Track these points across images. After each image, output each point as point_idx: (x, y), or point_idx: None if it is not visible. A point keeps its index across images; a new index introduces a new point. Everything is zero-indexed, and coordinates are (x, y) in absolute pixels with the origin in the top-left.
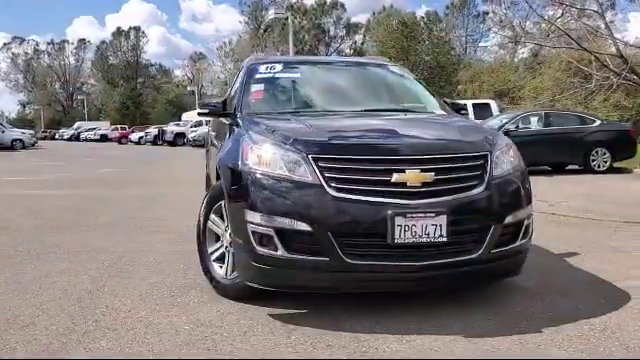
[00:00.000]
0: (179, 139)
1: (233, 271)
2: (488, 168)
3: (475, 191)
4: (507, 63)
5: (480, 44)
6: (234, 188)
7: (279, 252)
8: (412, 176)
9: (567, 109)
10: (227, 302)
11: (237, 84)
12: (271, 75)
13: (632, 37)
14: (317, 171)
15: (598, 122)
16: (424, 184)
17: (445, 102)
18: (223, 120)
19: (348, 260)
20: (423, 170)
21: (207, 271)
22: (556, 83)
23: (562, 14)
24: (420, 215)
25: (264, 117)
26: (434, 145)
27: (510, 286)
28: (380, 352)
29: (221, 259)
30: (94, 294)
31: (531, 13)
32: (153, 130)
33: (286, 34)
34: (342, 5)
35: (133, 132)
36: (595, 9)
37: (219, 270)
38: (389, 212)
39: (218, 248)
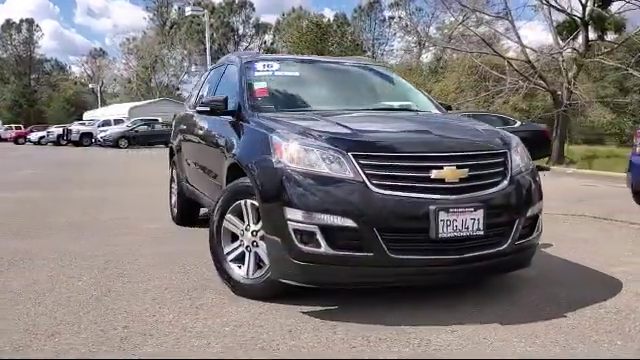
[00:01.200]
0: (85, 139)
1: (255, 271)
2: (509, 165)
3: (501, 186)
4: (412, 67)
5: (386, 48)
6: (269, 186)
7: (322, 249)
8: (450, 172)
9: (490, 111)
10: (250, 302)
11: (223, 81)
12: (270, 73)
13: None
14: (358, 168)
15: (519, 123)
16: (460, 180)
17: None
18: (217, 118)
19: (392, 255)
20: (459, 167)
21: (223, 272)
22: (459, 86)
23: (463, 20)
24: (461, 210)
25: (281, 115)
26: (465, 142)
27: (509, 278)
28: (383, 352)
29: (239, 259)
30: (102, 300)
31: (434, 19)
32: (56, 129)
33: (193, 32)
34: (251, 5)
35: (32, 132)
36: (496, 14)
37: (238, 270)
38: (432, 207)
39: (236, 248)
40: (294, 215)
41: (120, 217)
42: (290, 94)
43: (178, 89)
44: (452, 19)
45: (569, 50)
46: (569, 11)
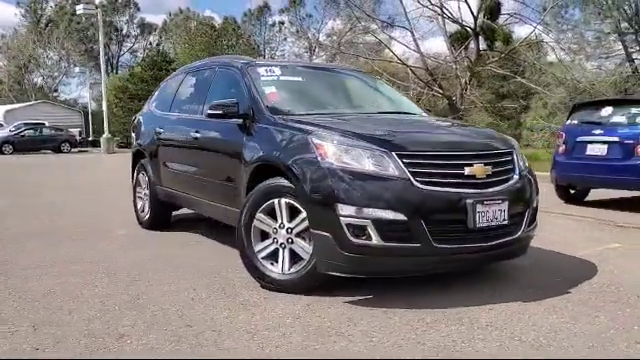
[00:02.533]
0: None
1: (291, 266)
2: (515, 163)
3: (513, 181)
4: None
5: (277, 52)
6: (317, 185)
7: (374, 241)
8: (479, 169)
9: None
10: (290, 296)
11: (215, 86)
12: (275, 78)
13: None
14: (403, 166)
15: None
16: (487, 175)
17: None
18: (221, 121)
19: (436, 245)
20: (485, 164)
21: (255, 270)
22: None
23: (350, 28)
24: (492, 202)
25: (304, 117)
26: (486, 143)
27: (502, 267)
28: (444, 331)
29: (271, 256)
30: (139, 303)
31: (323, 25)
32: None
33: (73, 31)
34: (136, 4)
35: None
36: (382, 22)
37: (272, 267)
38: (470, 201)
39: (267, 246)
40: (346, 211)
41: (82, 223)
42: (299, 98)
43: (56, 91)
44: (341, 26)
45: (463, 59)
46: (462, 22)
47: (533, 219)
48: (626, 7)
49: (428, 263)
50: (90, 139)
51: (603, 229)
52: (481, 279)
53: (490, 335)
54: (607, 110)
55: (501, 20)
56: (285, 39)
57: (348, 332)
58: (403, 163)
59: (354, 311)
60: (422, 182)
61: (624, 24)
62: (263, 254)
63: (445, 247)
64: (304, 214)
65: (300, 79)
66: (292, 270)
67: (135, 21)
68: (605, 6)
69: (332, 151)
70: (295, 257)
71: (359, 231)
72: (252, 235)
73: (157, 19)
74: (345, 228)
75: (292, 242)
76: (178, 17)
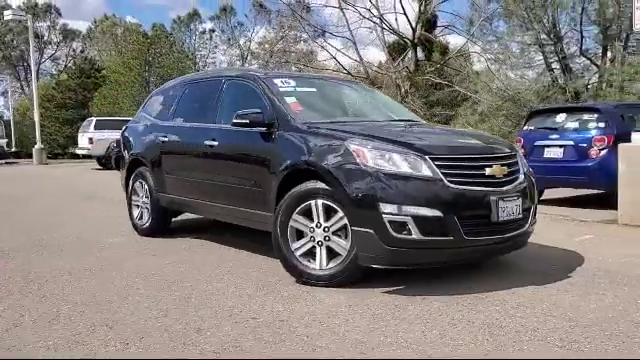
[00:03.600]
0: None
1: (329, 262)
2: (519, 164)
3: (520, 180)
4: None
5: (209, 60)
6: (359, 186)
7: (414, 235)
8: (498, 169)
9: None
10: (330, 290)
11: (227, 96)
12: (293, 89)
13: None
14: (435, 168)
15: None
16: (504, 175)
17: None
18: (240, 130)
19: (466, 237)
20: (502, 165)
21: (293, 267)
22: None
23: (282, 37)
24: (510, 199)
25: (331, 125)
26: (498, 146)
27: (507, 258)
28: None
29: (307, 254)
30: (192, 301)
31: (255, 34)
32: None
33: None
34: (57, 10)
35: None
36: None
37: (309, 263)
38: (494, 198)
39: (304, 244)
40: (388, 209)
41: (70, 234)
42: (317, 107)
43: None
44: (272, 35)
45: (403, 69)
46: (401, 34)
47: (534, 215)
48: (545, 20)
49: (459, 254)
50: (13, 150)
51: (569, 223)
52: (490, 269)
53: (525, 312)
54: (561, 116)
55: (437, 32)
56: (216, 47)
57: (402, 316)
58: (436, 165)
59: (396, 299)
60: (452, 182)
61: (544, 36)
62: (300, 252)
63: (473, 239)
64: (341, 213)
65: (314, 90)
66: (330, 265)
67: (57, 27)
68: (527, 19)
69: (370, 155)
70: (331, 253)
71: (400, 227)
72: (289, 235)
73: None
74: (387, 224)
75: (329, 240)
76: (104, 24)
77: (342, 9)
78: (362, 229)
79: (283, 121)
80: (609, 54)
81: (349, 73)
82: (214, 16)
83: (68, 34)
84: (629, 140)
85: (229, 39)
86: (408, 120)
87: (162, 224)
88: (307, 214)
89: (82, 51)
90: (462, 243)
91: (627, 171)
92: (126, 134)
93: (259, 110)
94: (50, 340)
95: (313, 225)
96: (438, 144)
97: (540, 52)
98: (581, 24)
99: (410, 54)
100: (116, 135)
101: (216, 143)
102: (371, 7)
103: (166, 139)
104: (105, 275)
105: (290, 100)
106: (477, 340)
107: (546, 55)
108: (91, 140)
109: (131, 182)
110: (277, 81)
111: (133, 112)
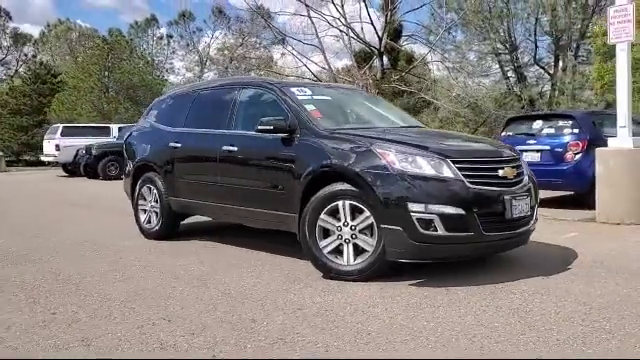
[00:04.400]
0: None
1: (356, 258)
2: (523, 166)
3: (525, 181)
4: None
5: (167, 65)
6: (388, 187)
7: (439, 232)
8: (509, 171)
9: None
10: (358, 284)
11: (244, 104)
12: (310, 97)
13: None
14: (457, 170)
15: None
16: (513, 176)
17: None
18: (266, 135)
19: (485, 233)
20: (512, 167)
21: (322, 264)
22: None
23: (241, 43)
24: (521, 197)
25: (352, 131)
26: (505, 150)
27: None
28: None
29: (334, 251)
30: (232, 295)
31: (214, 40)
32: None
33: None
34: (7, 13)
35: None
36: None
37: (337, 260)
38: (507, 197)
39: (331, 242)
40: (416, 208)
41: (85, 239)
42: (335, 114)
43: None
44: (232, 40)
45: (369, 76)
46: (368, 43)
47: (535, 214)
48: (501, 30)
49: (479, 248)
50: None
51: (552, 222)
52: (495, 264)
53: (542, 299)
54: (538, 123)
55: (402, 41)
56: (173, 52)
57: (436, 304)
58: (457, 167)
59: (423, 291)
60: (472, 182)
61: (499, 45)
62: (328, 250)
63: (491, 235)
64: (367, 213)
65: (329, 98)
66: (358, 261)
67: (8, 32)
68: (483, 29)
69: (396, 159)
70: (357, 250)
71: (427, 224)
72: (317, 234)
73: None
74: (416, 222)
75: (355, 237)
76: (57, 28)
77: (310, 17)
78: (391, 227)
79: (305, 127)
80: (561, 63)
81: (318, 79)
82: (172, 21)
83: (19, 38)
84: (600, 145)
85: (188, 45)
86: (415, 126)
87: (171, 228)
88: (333, 214)
89: (34, 56)
90: (481, 238)
91: (604, 173)
92: (131, 141)
93: (282, 117)
94: (118, 332)
95: (340, 224)
96: (456, 148)
97: (496, 61)
98: (535, 34)
99: (376, 62)
100: (84, 142)
101: (235, 148)
102: (340, 17)
103: (179, 145)
104: (136, 275)
105: (310, 108)
106: (510, 322)
107: (502, 64)
108: (58, 147)
109: (138, 187)
110: (294, 90)
111: (93, 118)
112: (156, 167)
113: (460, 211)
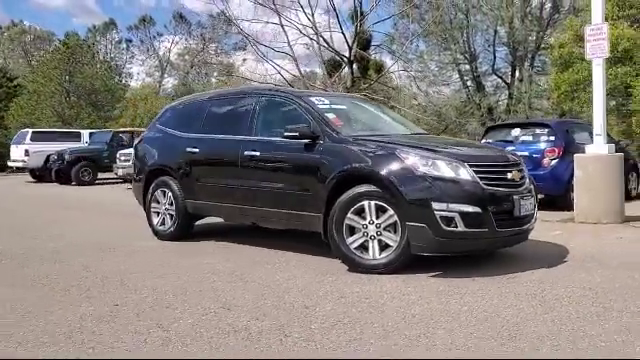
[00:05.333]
0: None
1: (381, 253)
2: (524, 170)
3: (527, 182)
4: (155, 90)
5: (125, 70)
6: (414, 188)
7: (459, 228)
8: (516, 174)
9: None
10: (384, 277)
11: (262, 112)
12: (329, 106)
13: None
14: (473, 173)
15: None
16: (519, 179)
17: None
18: (289, 140)
19: (497, 229)
20: (517, 170)
21: (349, 259)
22: None
23: (202, 49)
24: (526, 197)
25: (372, 137)
26: (510, 155)
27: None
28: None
29: (360, 247)
30: (272, 288)
31: (175, 45)
32: None
33: None
34: None
35: None
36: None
37: (363, 255)
38: (516, 197)
39: (357, 239)
40: (439, 206)
41: (93, 240)
42: (353, 122)
43: None
44: (193, 45)
45: (340, 83)
46: (338, 51)
47: (536, 212)
48: (461, 41)
49: (492, 243)
50: None
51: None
52: (498, 258)
53: (551, 286)
54: (516, 131)
55: (371, 50)
56: (132, 57)
57: (461, 292)
58: (473, 171)
59: (447, 281)
60: (486, 184)
61: (460, 56)
62: (354, 245)
63: (502, 230)
64: (391, 212)
65: (345, 107)
66: (383, 255)
67: None
68: (444, 40)
69: (419, 163)
70: (381, 245)
71: (449, 221)
72: (344, 231)
73: None
74: (439, 219)
75: (380, 234)
76: (10, 31)
77: (282, 25)
78: (416, 224)
79: (329, 134)
80: (517, 73)
81: (291, 85)
82: (132, 26)
83: None
84: (573, 151)
85: (148, 50)
86: (422, 133)
87: (186, 229)
88: (359, 213)
89: None
90: (494, 234)
91: (583, 177)
92: (143, 146)
93: (306, 124)
94: (188, 319)
95: (366, 222)
96: (470, 153)
97: (456, 70)
98: (494, 45)
99: (346, 70)
100: (54, 147)
101: (257, 153)
102: (311, 26)
103: (197, 150)
104: (169, 272)
105: (331, 116)
106: (531, 304)
107: (462, 73)
108: (27, 152)
109: (151, 191)
110: (314, 99)
111: (54, 123)
112: (171, 171)
113: (477, 209)
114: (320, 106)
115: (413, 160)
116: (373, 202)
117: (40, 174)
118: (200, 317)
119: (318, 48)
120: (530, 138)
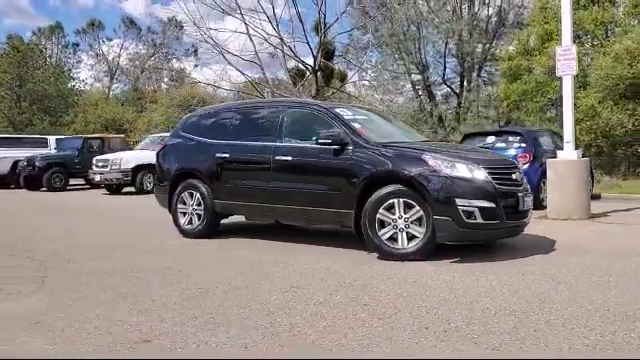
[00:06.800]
0: None
1: (409, 243)
2: (521, 172)
3: (525, 183)
4: (105, 95)
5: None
6: (440, 187)
7: (478, 220)
8: (518, 175)
9: None
10: (411, 264)
11: (297, 121)
12: (353, 117)
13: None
14: (488, 175)
15: None
16: (520, 179)
17: None
18: (318, 146)
19: (507, 221)
20: (518, 172)
21: (380, 248)
22: (167, 117)
23: (153, 54)
24: (528, 195)
25: (394, 144)
26: (511, 159)
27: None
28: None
29: (391, 239)
30: (328, 273)
31: (123, 50)
32: None
33: None
34: None
35: None
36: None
37: (393, 245)
38: (521, 194)
39: (387, 231)
40: (462, 202)
41: (117, 240)
42: (375, 130)
43: None
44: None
45: (302, 92)
46: (303, 61)
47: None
48: (413, 52)
49: (502, 233)
50: None
51: None
52: (500, 247)
53: (554, 268)
54: (490, 138)
55: (335, 60)
56: (79, 62)
57: (484, 274)
58: (488, 173)
59: (466, 266)
60: (497, 183)
61: (412, 66)
62: (385, 237)
63: (510, 222)
64: (417, 208)
65: (366, 117)
66: (410, 245)
67: None
68: (397, 50)
69: (443, 165)
70: (408, 236)
71: (469, 215)
72: (376, 225)
73: None
74: (461, 213)
75: (408, 227)
76: None
77: (250, 35)
78: (442, 217)
79: (357, 141)
80: (466, 83)
81: (261, 94)
82: (79, 30)
83: None
84: (540, 156)
85: (97, 54)
86: (429, 140)
87: (213, 227)
88: (389, 209)
89: None
90: (504, 225)
91: (554, 179)
92: (167, 152)
93: (336, 133)
94: (273, 296)
95: (395, 217)
96: (482, 157)
97: (409, 80)
98: (444, 56)
99: (311, 79)
100: (18, 153)
101: (289, 158)
102: (275, 35)
103: (227, 155)
104: (215, 265)
105: (357, 125)
106: (546, 280)
107: (414, 83)
108: None
109: (177, 193)
110: (338, 110)
111: (3, 129)
112: (200, 175)
113: (492, 204)
114: (346, 117)
115: (437, 163)
116: (402, 200)
117: (7, 180)
118: (282, 294)
119: (283, 56)
120: (504, 145)
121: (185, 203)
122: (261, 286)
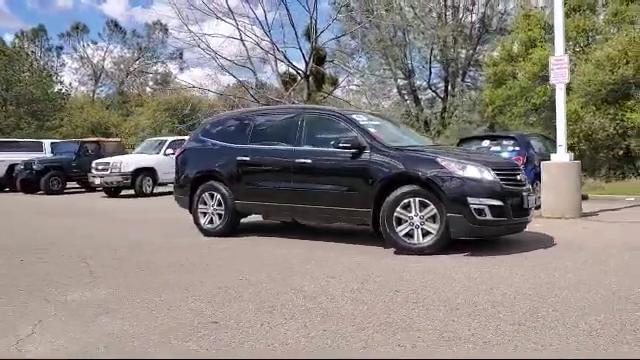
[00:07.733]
0: None
1: (424, 238)
2: (522, 173)
3: (527, 183)
4: (90, 98)
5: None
6: (454, 187)
7: (488, 217)
8: (522, 176)
9: None
10: (425, 257)
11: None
12: (368, 122)
13: None
14: (496, 176)
15: None
16: (524, 180)
17: None
18: (337, 150)
19: (513, 218)
20: (522, 173)
21: (397, 244)
22: (154, 120)
23: (139, 57)
24: (530, 194)
25: (408, 148)
26: (514, 162)
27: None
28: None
29: (407, 235)
30: (360, 267)
31: (108, 54)
32: None
33: None
34: None
35: None
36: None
37: (410, 240)
38: (525, 193)
39: (404, 228)
40: (473, 201)
41: (136, 239)
42: (388, 135)
43: None
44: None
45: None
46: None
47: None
48: (400, 58)
49: (510, 229)
50: None
51: None
52: (503, 243)
53: (559, 260)
54: (485, 142)
55: (326, 65)
56: (63, 65)
57: (499, 264)
58: (496, 174)
59: (479, 258)
60: (504, 183)
61: (398, 71)
62: (402, 233)
63: (516, 219)
64: (432, 206)
65: (379, 123)
66: (425, 240)
67: None
68: (384, 56)
69: (455, 167)
70: (423, 233)
71: (480, 212)
72: (394, 222)
73: None
74: (473, 211)
75: (423, 224)
76: None
77: (243, 40)
78: (455, 214)
79: (374, 145)
80: (450, 88)
81: (254, 98)
82: (64, 33)
83: None
84: (533, 159)
85: (82, 57)
86: (438, 144)
87: (233, 226)
88: (405, 208)
89: None
90: (511, 221)
91: (548, 180)
92: (187, 155)
93: (354, 137)
94: (312, 285)
95: (412, 215)
96: (490, 160)
97: (395, 85)
98: (430, 62)
99: (302, 83)
100: (13, 157)
101: (309, 161)
102: (269, 40)
103: (247, 158)
104: (248, 261)
105: (373, 130)
106: (557, 270)
107: (400, 88)
108: None
109: (198, 194)
110: (354, 116)
111: None
112: (221, 177)
113: (500, 203)
114: (362, 122)
115: (450, 165)
116: (417, 199)
117: (2, 184)
118: (319, 284)
119: (275, 62)
120: (498, 148)
121: (206, 203)
122: (307, 276)
